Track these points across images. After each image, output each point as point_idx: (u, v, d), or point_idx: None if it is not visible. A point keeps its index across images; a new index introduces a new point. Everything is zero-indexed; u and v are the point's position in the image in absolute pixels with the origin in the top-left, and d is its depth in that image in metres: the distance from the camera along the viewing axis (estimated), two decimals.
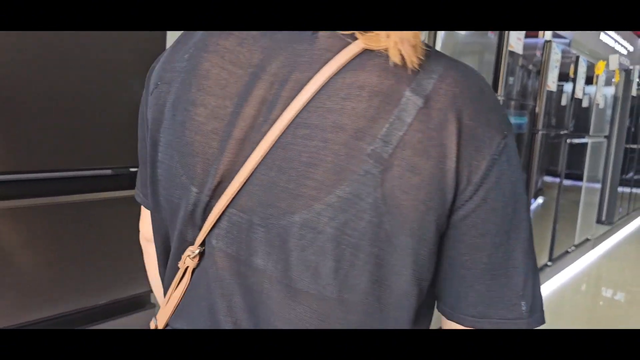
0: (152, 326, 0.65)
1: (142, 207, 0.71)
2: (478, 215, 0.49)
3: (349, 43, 0.50)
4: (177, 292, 0.60)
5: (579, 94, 4.24)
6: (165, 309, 0.62)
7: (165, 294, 0.64)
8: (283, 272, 0.51)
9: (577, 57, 4.16)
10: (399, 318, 0.52)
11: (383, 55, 0.49)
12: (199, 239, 0.56)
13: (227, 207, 0.53)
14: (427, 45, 0.51)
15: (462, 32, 2.44)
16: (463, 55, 2.60)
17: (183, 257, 0.57)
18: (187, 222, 0.56)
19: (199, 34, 0.57)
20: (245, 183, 0.51)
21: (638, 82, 6.34)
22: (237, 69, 0.53)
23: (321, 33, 0.51)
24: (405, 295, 0.51)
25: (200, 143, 0.53)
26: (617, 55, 5.95)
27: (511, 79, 3.10)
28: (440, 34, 2.30)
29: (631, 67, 6.24)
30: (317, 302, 0.51)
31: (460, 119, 0.48)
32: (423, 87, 0.48)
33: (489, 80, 2.84)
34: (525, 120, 3.37)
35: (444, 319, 0.56)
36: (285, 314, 0.52)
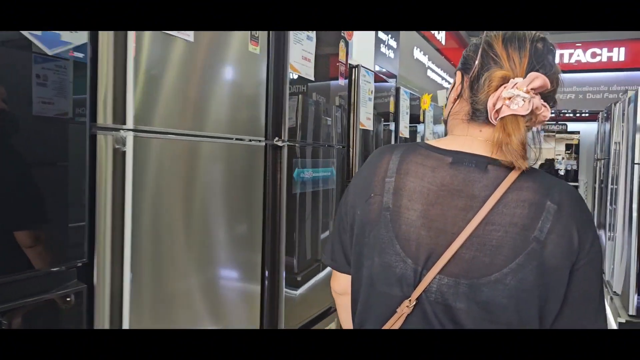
0: None
1: (333, 271, 1.08)
2: (586, 268, 0.86)
3: (508, 172, 0.87)
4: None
5: (404, 132, 3.58)
6: None
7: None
8: (484, 308, 0.84)
9: (398, 89, 3.52)
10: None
11: (529, 180, 0.87)
12: (415, 294, 0.87)
13: (437, 274, 0.86)
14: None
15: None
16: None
17: (401, 307, 0.88)
18: (399, 282, 0.89)
19: (391, 162, 0.94)
20: (451, 258, 0.85)
21: None
22: (434, 187, 0.88)
23: (490, 167, 0.88)
24: (551, 316, 0.87)
25: (413, 232, 0.88)
26: (444, 91, 5.60)
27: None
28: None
29: None
30: (503, 323, 0.85)
31: (577, 217, 0.86)
32: (555, 199, 0.86)
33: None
34: None
35: None
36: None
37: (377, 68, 5.24)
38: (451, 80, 6.23)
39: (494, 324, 0.84)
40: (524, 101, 0.83)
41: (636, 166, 4.18)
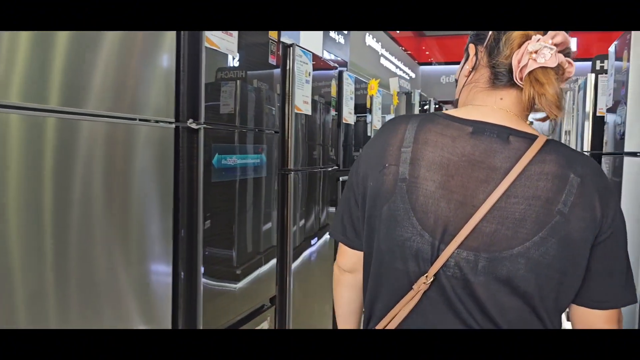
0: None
1: (341, 246, 1.02)
2: (609, 241, 0.85)
3: (531, 143, 0.85)
4: (408, 306, 0.86)
5: (348, 119, 3.41)
6: (394, 319, 0.88)
7: (372, 307, 0.94)
8: (505, 282, 0.82)
9: (341, 72, 3.33)
10: (563, 305, 0.87)
11: (552, 152, 0.85)
12: (433, 271, 0.83)
13: (457, 248, 0.82)
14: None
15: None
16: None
17: (418, 283, 0.84)
18: (415, 257, 0.85)
19: (407, 131, 0.89)
20: (471, 232, 0.82)
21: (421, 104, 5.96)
22: (454, 157, 0.85)
23: (511, 138, 0.86)
24: (572, 291, 0.86)
25: (432, 205, 0.84)
26: (396, 78, 5.46)
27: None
28: None
29: (411, 91, 5.83)
30: (523, 297, 0.83)
31: (599, 190, 0.84)
32: (578, 172, 0.84)
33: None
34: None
35: (574, 307, 0.90)
36: (501, 304, 0.83)
37: (327, 54, 5.06)
38: (405, 69, 6.18)
39: (512, 297, 0.83)
40: (551, 53, 0.82)
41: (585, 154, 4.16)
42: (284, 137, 2.59)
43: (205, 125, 1.81)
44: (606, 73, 3.85)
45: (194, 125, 1.76)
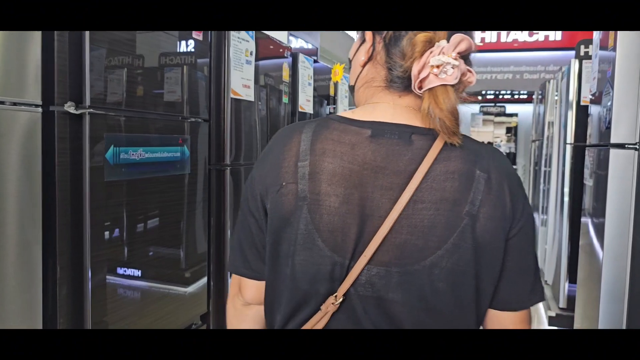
0: None
1: (244, 280, 0.90)
2: (519, 236, 0.81)
3: (433, 141, 0.79)
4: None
5: (305, 107, 3.05)
6: None
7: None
8: (419, 299, 0.77)
9: (296, 55, 2.98)
10: (482, 314, 0.84)
11: (456, 148, 0.79)
12: (342, 290, 0.78)
13: (366, 264, 0.77)
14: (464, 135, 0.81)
15: None
16: None
17: (326, 303, 0.79)
18: (325, 280, 0.78)
19: (302, 142, 0.81)
20: (380, 245, 0.76)
21: None
22: (356, 166, 0.78)
23: (414, 137, 0.79)
24: (489, 295, 0.82)
25: (338, 222, 0.77)
26: None
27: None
28: None
29: None
30: (442, 314, 0.78)
31: (508, 184, 0.80)
32: (484, 167, 0.79)
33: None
34: None
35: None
36: (421, 323, 0.78)
37: (294, 40, 4.70)
38: None
39: (430, 313, 0.78)
40: (453, 69, 0.77)
41: (568, 146, 3.86)
42: (221, 126, 2.23)
43: (91, 110, 1.45)
44: (591, 59, 3.54)
45: (72, 110, 1.39)
